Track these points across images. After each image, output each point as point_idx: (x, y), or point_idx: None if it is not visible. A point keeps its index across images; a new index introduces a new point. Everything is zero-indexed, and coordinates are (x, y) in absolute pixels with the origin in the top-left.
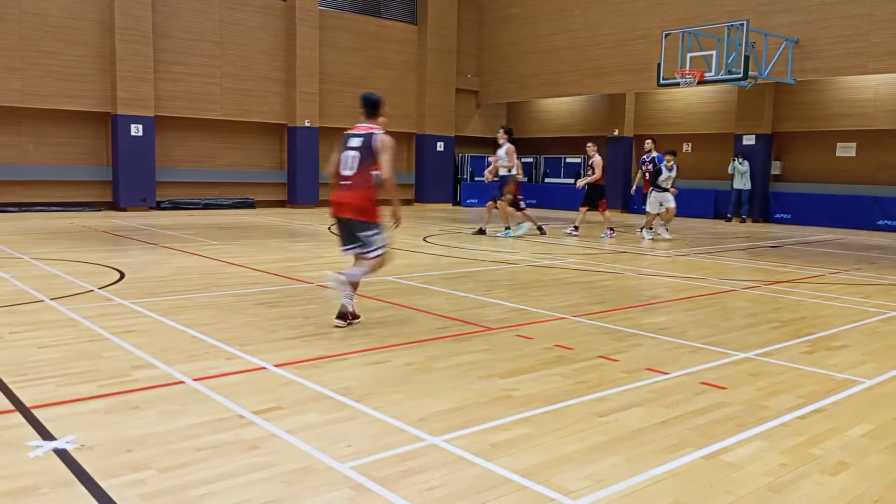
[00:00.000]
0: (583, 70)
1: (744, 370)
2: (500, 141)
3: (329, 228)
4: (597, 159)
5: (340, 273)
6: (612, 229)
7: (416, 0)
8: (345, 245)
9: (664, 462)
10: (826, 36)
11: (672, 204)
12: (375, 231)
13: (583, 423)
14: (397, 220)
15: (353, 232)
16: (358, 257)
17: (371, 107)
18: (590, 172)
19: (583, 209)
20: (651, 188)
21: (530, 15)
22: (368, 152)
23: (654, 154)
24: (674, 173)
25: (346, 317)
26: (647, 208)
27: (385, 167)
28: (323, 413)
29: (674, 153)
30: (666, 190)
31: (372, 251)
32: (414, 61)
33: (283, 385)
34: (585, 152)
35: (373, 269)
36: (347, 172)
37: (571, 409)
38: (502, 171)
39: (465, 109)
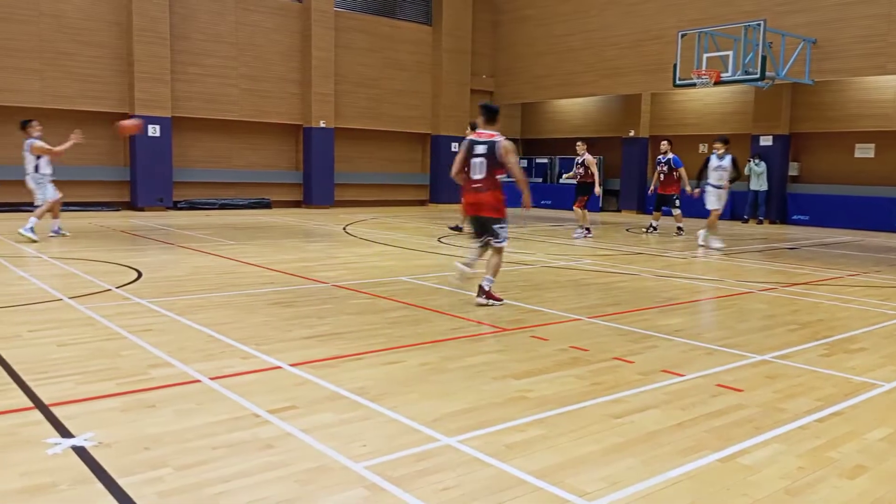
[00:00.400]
0: (598, 71)
1: (761, 372)
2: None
3: (345, 228)
4: (588, 158)
5: (465, 264)
6: (587, 229)
7: (430, 1)
8: (479, 237)
9: (680, 464)
10: (844, 36)
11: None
12: (503, 224)
13: (598, 424)
14: (527, 205)
15: (487, 226)
16: (486, 246)
17: (490, 114)
18: (580, 171)
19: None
20: (702, 185)
21: (545, 16)
22: (493, 158)
23: (671, 155)
24: (726, 163)
25: (488, 295)
26: (709, 206)
27: (514, 169)
28: (338, 413)
29: (726, 140)
30: (720, 187)
31: (501, 240)
32: (429, 62)
33: (298, 384)
34: (575, 151)
35: (501, 254)
36: (478, 176)
37: (587, 411)
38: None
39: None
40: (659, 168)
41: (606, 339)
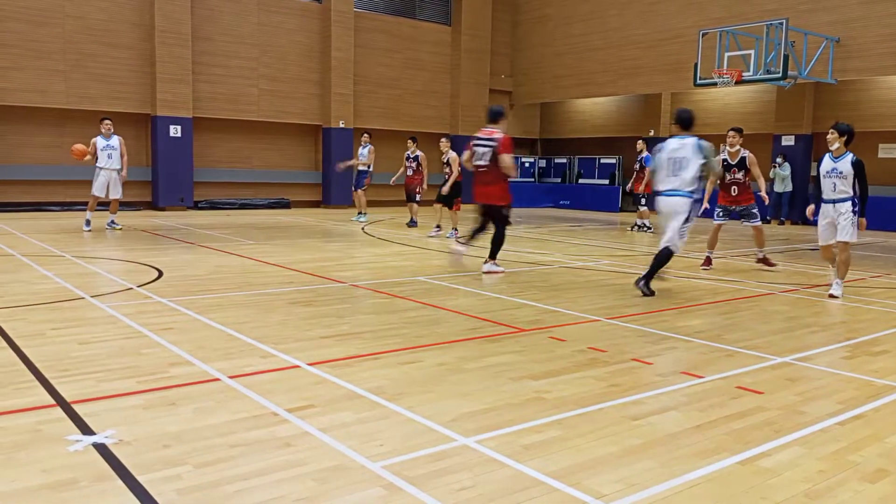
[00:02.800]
0: (617, 70)
1: (781, 375)
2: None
3: (363, 228)
4: (452, 156)
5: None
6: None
7: (450, 1)
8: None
9: (699, 467)
10: (867, 35)
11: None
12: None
13: (616, 426)
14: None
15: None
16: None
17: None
18: (447, 171)
19: (437, 205)
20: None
21: (565, 15)
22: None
23: (644, 154)
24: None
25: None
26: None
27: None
28: (355, 412)
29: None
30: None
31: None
32: (448, 62)
33: (316, 383)
34: (442, 149)
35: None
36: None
37: (604, 412)
38: (362, 168)
39: None
40: (636, 166)
41: (625, 340)
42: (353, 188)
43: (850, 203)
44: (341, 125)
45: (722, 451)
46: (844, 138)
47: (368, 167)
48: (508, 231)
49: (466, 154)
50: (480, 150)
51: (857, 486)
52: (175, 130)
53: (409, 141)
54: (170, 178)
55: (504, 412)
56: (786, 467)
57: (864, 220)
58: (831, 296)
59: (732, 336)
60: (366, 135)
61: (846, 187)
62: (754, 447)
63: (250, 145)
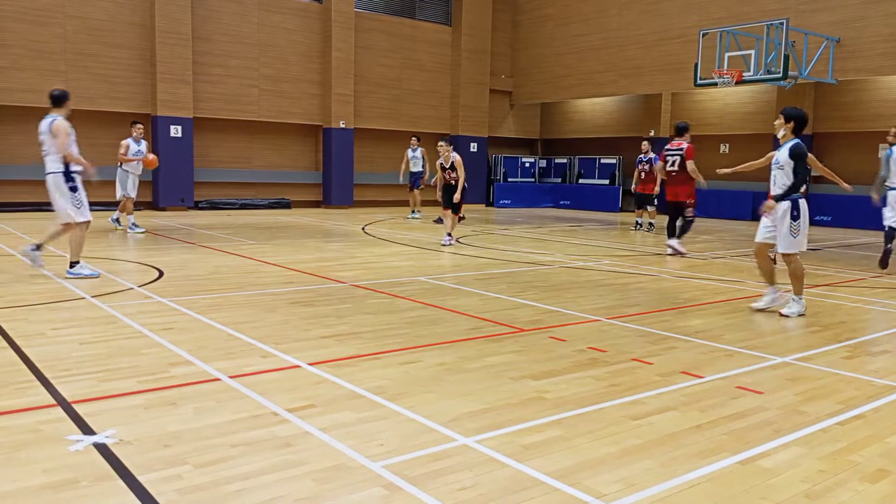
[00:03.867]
0: (618, 70)
1: (781, 375)
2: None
3: (363, 228)
4: (458, 159)
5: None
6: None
7: (450, 1)
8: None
9: (699, 467)
10: (867, 35)
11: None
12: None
13: (616, 426)
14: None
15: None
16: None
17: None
18: (452, 175)
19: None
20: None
21: (565, 15)
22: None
23: (652, 155)
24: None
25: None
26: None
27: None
28: (356, 412)
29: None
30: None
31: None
32: (448, 62)
33: (316, 383)
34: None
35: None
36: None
37: (604, 412)
38: (416, 169)
39: (498, 110)
40: (640, 167)
41: (625, 340)
42: (409, 188)
43: (788, 204)
44: (342, 125)
45: (722, 451)
46: (791, 125)
47: (423, 168)
48: (509, 231)
49: (660, 164)
50: (671, 157)
51: (858, 486)
52: (175, 130)
53: (412, 139)
54: (170, 179)
55: (504, 412)
56: (786, 467)
57: (770, 203)
58: (781, 315)
59: (732, 336)
60: (414, 138)
61: (786, 180)
62: (754, 447)
63: (251, 145)
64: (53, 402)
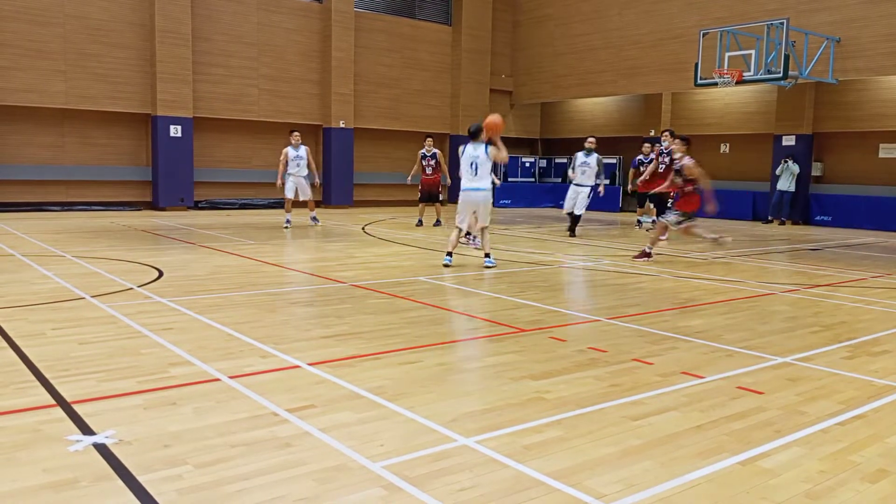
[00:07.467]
0: (618, 70)
1: (782, 375)
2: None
3: (363, 228)
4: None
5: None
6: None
7: (450, 1)
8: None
9: (699, 467)
10: (868, 35)
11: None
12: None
13: (616, 426)
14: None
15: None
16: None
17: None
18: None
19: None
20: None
21: (565, 15)
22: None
23: (654, 156)
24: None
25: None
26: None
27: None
28: (356, 412)
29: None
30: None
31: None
32: (448, 62)
33: (316, 384)
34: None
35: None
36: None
37: (605, 412)
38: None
39: (498, 110)
40: (642, 168)
41: (625, 340)
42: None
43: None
44: (342, 125)
45: (722, 451)
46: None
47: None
48: (509, 231)
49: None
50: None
51: (858, 487)
52: (175, 130)
53: (428, 139)
54: (170, 178)
55: (504, 412)
56: (786, 467)
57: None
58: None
59: (733, 336)
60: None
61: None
62: (755, 447)
63: (251, 145)
64: (53, 402)
